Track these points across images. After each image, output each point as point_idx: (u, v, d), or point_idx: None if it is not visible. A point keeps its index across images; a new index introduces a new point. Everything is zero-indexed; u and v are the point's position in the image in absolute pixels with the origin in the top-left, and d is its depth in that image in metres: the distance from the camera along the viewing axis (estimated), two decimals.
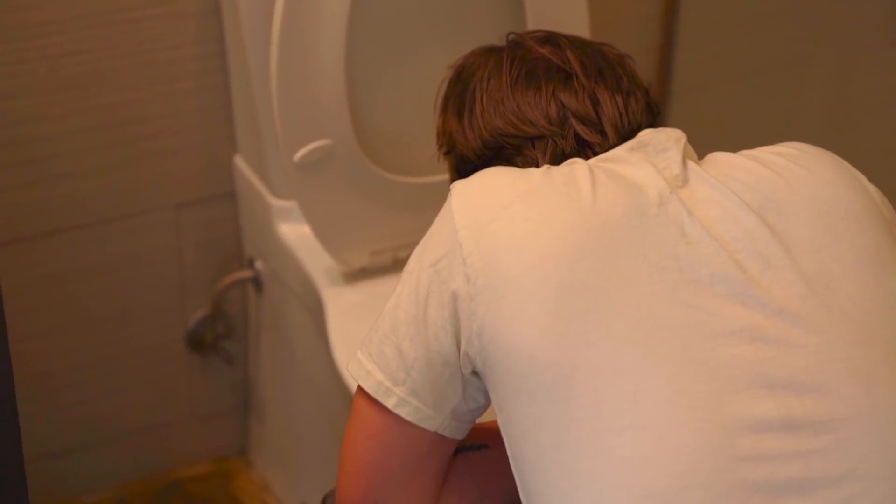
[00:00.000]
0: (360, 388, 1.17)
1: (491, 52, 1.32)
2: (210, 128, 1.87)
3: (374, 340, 1.15)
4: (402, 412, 1.12)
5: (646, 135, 1.17)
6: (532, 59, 1.28)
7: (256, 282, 1.90)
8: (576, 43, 1.28)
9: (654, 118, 1.26)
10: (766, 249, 1.06)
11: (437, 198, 1.66)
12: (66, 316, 1.89)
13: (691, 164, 1.12)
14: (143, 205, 1.87)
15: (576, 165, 1.13)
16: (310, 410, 1.90)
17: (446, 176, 1.64)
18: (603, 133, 1.22)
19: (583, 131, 1.22)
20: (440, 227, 1.13)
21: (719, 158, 1.15)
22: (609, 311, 1.04)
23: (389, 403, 1.12)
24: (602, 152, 1.19)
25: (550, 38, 1.29)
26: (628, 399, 1.02)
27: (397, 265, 1.73)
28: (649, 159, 1.13)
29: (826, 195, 1.10)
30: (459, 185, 1.14)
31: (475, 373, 1.11)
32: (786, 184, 1.10)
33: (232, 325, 2.00)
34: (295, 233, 1.77)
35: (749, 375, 1.00)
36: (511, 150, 1.26)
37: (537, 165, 1.21)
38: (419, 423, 1.13)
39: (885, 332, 1.05)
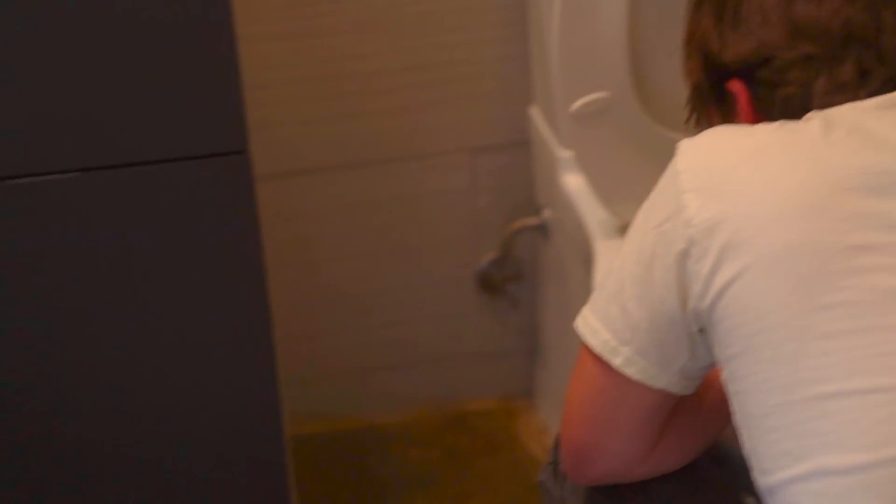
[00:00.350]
0: (583, 345, 1.16)
1: None
2: (508, 77, 1.89)
3: (600, 298, 1.14)
4: (629, 371, 1.12)
5: None
6: None
7: (543, 229, 1.91)
8: None
9: None
10: None
11: None
12: (368, 242, 1.95)
13: None
14: (441, 146, 1.92)
15: (812, 120, 1.08)
16: None
17: None
18: (883, 62, 1.15)
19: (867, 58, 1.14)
20: (665, 188, 1.10)
21: None
22: (841, 272, 1.02)
23: (616, 362, 1.12)
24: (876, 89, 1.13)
25: None
26: (859, 363, 1.01)
27: None
28: None
29: None
30: (685, 145, 1.10)
31: (702, 330, 1.08)
32: None
33: (520, 269, 2.01)
34: (577, 183, 1.76)
35: None
36: (772, 71, 1.17)
37: (802, 97, 1.13)
38: (646, 382, 1.12)
39: None
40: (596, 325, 1.12)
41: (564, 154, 1.76)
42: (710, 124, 1.23)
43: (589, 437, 1.19)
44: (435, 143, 1.92)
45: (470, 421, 2.10)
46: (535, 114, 1.85)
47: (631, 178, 1.66)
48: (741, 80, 1.16)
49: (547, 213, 1.90)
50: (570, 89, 1.63)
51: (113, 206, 1.34)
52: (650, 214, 1.10)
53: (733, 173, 1.06)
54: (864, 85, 1.11)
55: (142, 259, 1.38)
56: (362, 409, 2.09)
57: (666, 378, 1.12)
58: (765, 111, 1.15)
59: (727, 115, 1.21)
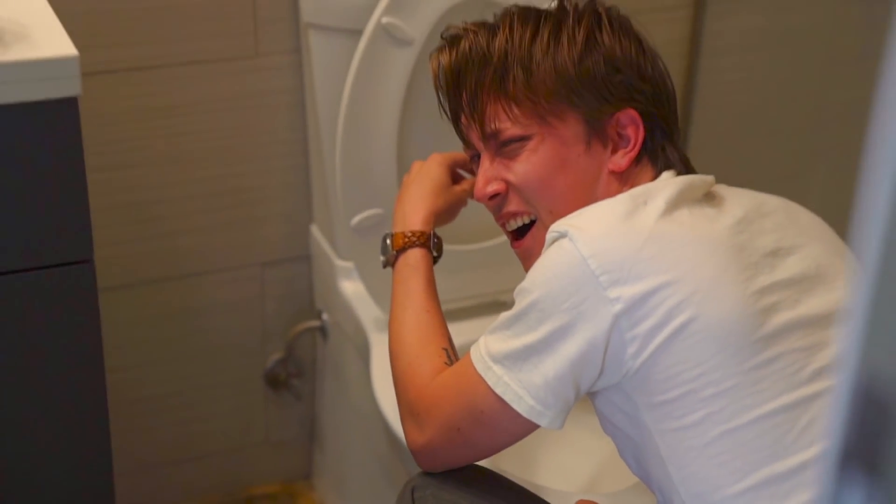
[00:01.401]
0: (492, 396, 1.14)
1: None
2: (292, 200, 1.90)
3: (518, 368, 1.13)
4: (548, 425, 1.15)
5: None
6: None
7: (323, 330, 1.95)
8: None
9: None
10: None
11: (469, 262, 1.74)
12: (166, 350, 1.93)
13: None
14: (235, 262, 1.92)
15: (671, 212, 1.14)
16: (361, 443, 1.92)
17: (481, 244, 1.72)
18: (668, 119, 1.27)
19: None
20: (570, 273, 1.10)
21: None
22: (758, 317, 1.10)
23: (542, 423, 1.14)
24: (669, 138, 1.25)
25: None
26: (782, 383, 1.09)
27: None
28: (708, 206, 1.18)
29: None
30: (577, 234, 1.11)
31: (616, 385, 1.13)
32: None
33: (302, 367, 2.03)
34: (353, 288, 1.80)
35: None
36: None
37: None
38: (551, 427, 1.15)
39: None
40: (521, 393, 1.13)
41: (342, 264, 1.82)
42: (515, 127, 1.26)
43: (467, 449, 1.22)
44: (230, 259, 1.91)
45: (257, 503, 2.10)
46: (316, 231, 1.90)
47: None
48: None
49: (326, 317, 1.93)
50: (350, 206, 1.66)
51: None
52: (559, 296, 1.10)
53: (642, 255, 1.10)
54: (664, 141, 1.26)
55: None
56: (164, 499, 2.06)
57: (560, 422, 1.16)
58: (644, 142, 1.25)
59: (592, 127, 1.25)
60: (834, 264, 1.19)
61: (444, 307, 1.74)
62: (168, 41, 1.73)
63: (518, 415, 1.14)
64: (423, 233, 1.37)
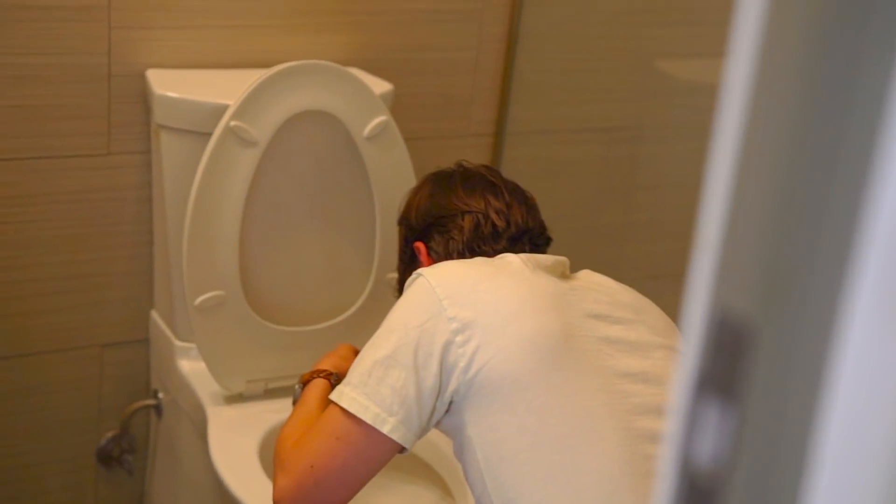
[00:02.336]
0: (343, 415, 1.22)
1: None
2: (135, 286, 1.93)
3: (367, 384, 1.22)
4: (394, 435, 1.21)
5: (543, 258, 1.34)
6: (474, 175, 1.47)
7: (158, 408, 1.97)
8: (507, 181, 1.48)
9: (543, 237, 1.44)
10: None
11: (301, 342, 1.82)
12: (7, 426, 1.91)
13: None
14: (77, 342, 1.92)
15: (508, 260, 1.30)
16: None
17: (312, 327, 1.79)
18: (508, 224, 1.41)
19: (496, 218, 1.41)
20: (422, 298, 1.24)
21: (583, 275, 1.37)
22: (564, 347, 1.21)
23: (385, 429, 1.21)
24: (505, 237, 1.39)
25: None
26: (592, 410, 1.19)
27: (267, 393, 1.81)
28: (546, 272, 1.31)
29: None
30: (429, 272, 1.26)
31: (451, 401, 1.21)
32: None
33: (135, 444, 2.02)
34: (190, 366, 1.85)
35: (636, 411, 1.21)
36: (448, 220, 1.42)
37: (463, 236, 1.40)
38: (400, 441, 1.22)
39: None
40: (366, 403, 1.21)
41: (181, 344, 1.86)
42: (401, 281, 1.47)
43: (320, 484, 1.25)
44: (72, 340, 1.92)
45: None
46: (155, 315, 1.94)
47: (235, 358, 1.78)
48: (420, 241, 1.42)
49: (161, 395, 1.96)
50: (194, 288, 1.69)
51: None
52: (408, 318, 1.23)
53: (478, 287, 1.24)
54: (498, 239, 1.39)
55: None
56: None
57: (413, 439, 1.23)
58: (435, 254, 1.40)
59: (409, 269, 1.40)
60: (658, 344, 1.30)
61: (275, 384, 1.84)
62: (24, 136, 1.77)
63: (365, 426, 1.21)
64: (326, 370, 1.47)
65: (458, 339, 1.21)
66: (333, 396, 1.25)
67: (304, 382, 1.47)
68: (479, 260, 1.33)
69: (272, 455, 1.65)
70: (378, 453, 1.24)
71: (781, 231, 0.47)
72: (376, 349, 1.24)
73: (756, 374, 0.48)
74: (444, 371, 1.21)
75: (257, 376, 1.81)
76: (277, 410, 1.78)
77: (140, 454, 2.05)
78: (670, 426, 0.51)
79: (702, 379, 0.49)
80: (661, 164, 2.33)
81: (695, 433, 0.50)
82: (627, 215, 2.34)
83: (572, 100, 2.19)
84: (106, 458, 2.03)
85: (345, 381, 1.25)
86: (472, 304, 1.22)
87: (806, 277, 0.47)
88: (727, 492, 0.49)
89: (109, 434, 2.02)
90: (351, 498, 1.28)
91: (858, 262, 0.45)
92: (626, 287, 1.38)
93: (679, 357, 1.24)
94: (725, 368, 0.49)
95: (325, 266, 1.86)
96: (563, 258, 1.39)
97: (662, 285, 2.38)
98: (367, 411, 1.22)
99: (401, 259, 1.51)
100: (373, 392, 1.22)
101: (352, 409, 1.22)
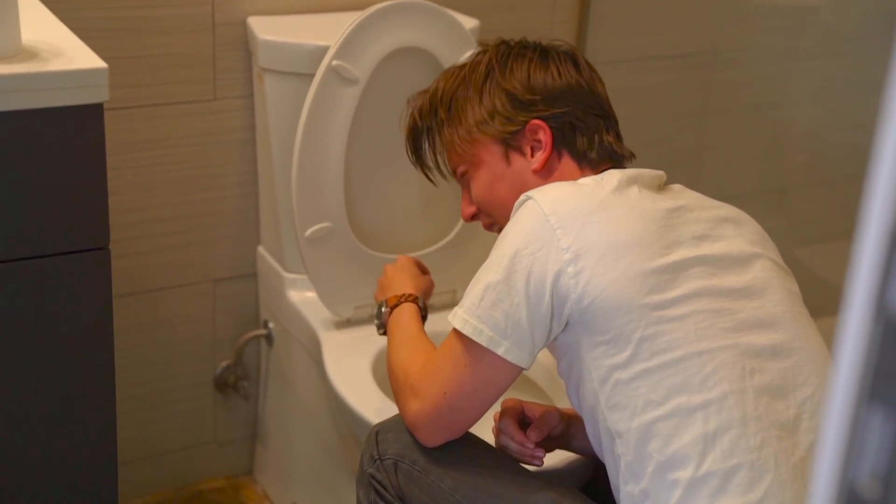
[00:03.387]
0: (462, 340, 1.23)
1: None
2: (242, 224, 1.98)
3: (480, 307, 1.22)
4: (508, 357, 1.21)
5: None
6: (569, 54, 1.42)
7: (268, 338, 2.04)
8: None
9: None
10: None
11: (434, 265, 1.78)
12: (131, 357, 1.97)
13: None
14: (191, 278, 1.99)
15: (614, 181, 1.26)
16: (305, 435, 1.99)
17: (414, 254, 1.79)
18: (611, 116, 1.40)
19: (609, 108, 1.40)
20: (532, 225, 1.21)
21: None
22: (673, 278, 1.21)
23: (500, 351, 1.21)
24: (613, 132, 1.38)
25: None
26: (692, 335, 1.19)
27: (373, 318, 1.73)
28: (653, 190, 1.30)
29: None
30: (541, 197, 1.23)
31: (567, 324, 1.21)
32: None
33: (248, 371, 2.09)
34: (299, 296, 1.91)
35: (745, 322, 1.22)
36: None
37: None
38: (516, 363, 1.22)
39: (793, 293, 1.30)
40: (480, 326, 1.21)
41: (290, 276, 1.92)
42: (454, 162, 1.44)
43: (453, 408, 1.26)
44: (186, 276, 1.98)
45: (205, 496, 2.14)
46: (263, 251, 2.00)
47: (344, 285, 1.83)
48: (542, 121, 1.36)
49: (272, 325, 2.02)
50: (304, 220, 1.74)
51: None
52: (521, 244, 1.21)
53: (591, 217, 1.22)
54: (619, 139, 1.39)
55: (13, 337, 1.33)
56: (121, 495, 1.97)
57: (529, 359, 1.23)
58: (557, 145, 1.35)
59: (506, 145, 1.38)
60: (756, 253, 1.29)
61: None
62: (138, 85, 1.83)
63: (485, 351, 1.22)
64: (412, 294, 1.50)
65: (570, 269, 1.20)
66: (451, 318, 1.26)
67: (392, 307, 1.49)
68: (587, 183, 1.29)
69: (385, 374, 1.72)
70: (501, 375, 1.26)
71: None
72: (490, 273, 1.23)
73: None
74: (555, 299, 1.21)
75: (364, 302, 1.86)
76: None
77: (253, 381, 2.12)
78: (860, 274, 0.49)
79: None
80: (733, 88, 2.36)
81: (890, 278, 0.47)
82: (702, 139, 2.37)
83: (647, 29, 2.22)
84: (222, 385, 2.10)
85: (460, 303, 1.26)
86: (586, 234, 1.21)
87: None
88: None
89: (224, 363, 2.08)
90: (482, 415, 1.30)
91: None
92: (721, 203, 1.38)
93: (774, 266, 1.28)
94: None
95: (422, 197, 1.90)
96: (661, 172, 1.37)
97: (736, 205, 2.43)
98: (482, 334, 1.22)
99: (479, 128, 1.40)
100: (486, 315, 1.22)
101: (465, 331, 1.22)
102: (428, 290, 1.58)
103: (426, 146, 1.48)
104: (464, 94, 1.42)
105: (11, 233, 1.30)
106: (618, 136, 1.42)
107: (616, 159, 1.40)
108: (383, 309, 1.51)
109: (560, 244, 1.21)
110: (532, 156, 1.38)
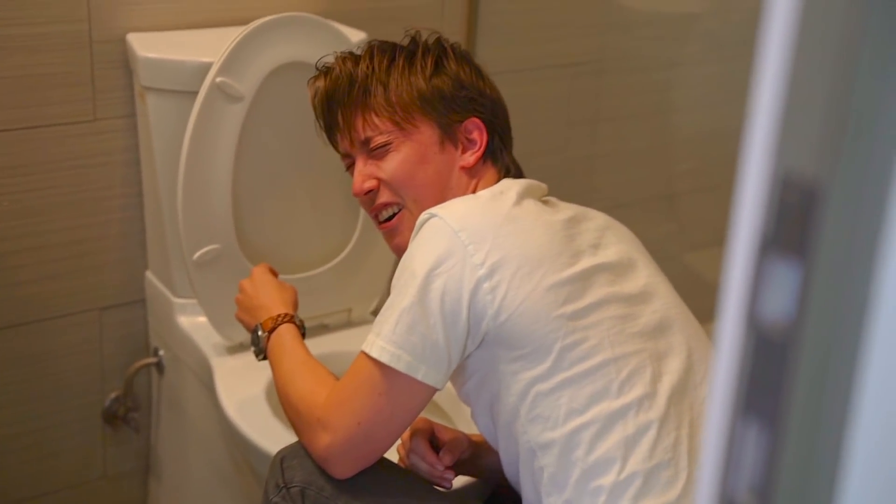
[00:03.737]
0: (378, 367, 1.20)
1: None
2: (129, 249, 1.92)
3: (395, 333, 1.19)
4: (427, 380, 1.19)
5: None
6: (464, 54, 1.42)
7: (159, 366, 1.97)
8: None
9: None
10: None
11: (298, 290, 1.75)
12: (12, 393, 1.91)
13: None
14: (76, 307, 1.91)
15: (512, 195, 1.27)
16: (200, 465, 1.94)
17: (307, 273, 1.78)
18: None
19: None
20: (442, 242, 1.20)
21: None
22: (582, 287, 1.22)
23: (419, 375, 1.19)
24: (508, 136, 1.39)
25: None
26: (606, 339, 1.21)
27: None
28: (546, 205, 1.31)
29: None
30: (445, 213, 1.22)
31: (481, 343, 1.20)
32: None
33: (139, 402, 2.02)
34: (190, 322, 1.86)
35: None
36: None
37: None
38: (434, 386, 1.21)
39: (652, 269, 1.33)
40: (398, 352, 1.19)
41: (180, 301, 1.86)
42: (379, 133, 1.37)
43: (369, 438, 1.24)
44: (71, 305, 1.91)
45: None
46: (151, 276, 1.94)
47: (234, 308, 1.65)
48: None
49: (162, 352, 1.96)
50: (191, 244, 1.71)
51: None
52: (431, 262, 1.19)
53: (500, 231, 1.21)
54: (507, 134, 1.39)
55: None
56: None
57: (444, 380, 1.22)
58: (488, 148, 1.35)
59: (445, 130, 1.37)
60: (638, 258, 1.33)
61: None
62: (12, 107, 1.75)
63: (401, 376, 1.19)
64: (287, 314, 1.44)
65: (486, 285, 1.19)
66: (365, 348, 1.22)
67: (269, 331, 1.44)
68: (484, 196, 1.29)
69: (277, 399, 1.68)
70: (418, 399, 1.24)
71: (844, 87, 0.46)
72: (402, 297, 1.21)
73: (822, 231, 0.48)
74: (472, 316, 1.19)
75: None
76: None
77: (144, 411, 2.06)
78: (730, 285, 0.50)
79: (766, 238, 0.49)
80: (622, 96, 2.37)
81: (760, 291, 0.49)
82: (593, 147, 2.37)
83: (535, 38, 2.21)
84: (111, 417, 2.03)
85: (374, 331, 1.23)
86: (498, 248, 1.20)
87: (868, 133, 0.46)
88: (796, 345, 0.49)
89: (113, 394, 2.02)
90: (396, 440, 1.27)
91: None
92: (594, 210, 1.39)
93: (655, 269, 1.32)
94: (790, 228, 0.48)
95: (315, 214, 1.86)
96: (543, 185, 1.38)
97: (630, 212, 2.43)
98: (400, 360, 1.20)
99: (423, 101, 1.37)
100: (402, 341, 1.19)
101: (383, 359, 1.20)
102: (295, 300, 1.52)
103: (345, 105, 1.39)
104: (408, 63, 1.39)
105: None
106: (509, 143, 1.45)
107: (515, 174, 1.41)
108: (260, 334, 1.46)
109: (473, 259, 1.19)
110: (464, 152, 1.37)
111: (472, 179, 1.38)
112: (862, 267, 0.48)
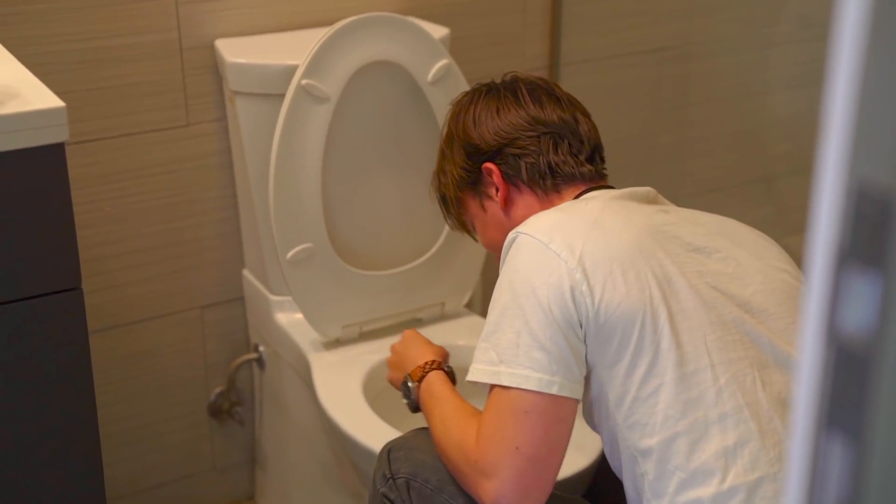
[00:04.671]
0: (511, 393, 1.15)
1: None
2: (226, 249, 1.94)
3: (516, 355, 1.16)
4: (564, 392, 1.15)
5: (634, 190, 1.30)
6: (537, 88, 1.40)
7: (260, 361, 1.99)
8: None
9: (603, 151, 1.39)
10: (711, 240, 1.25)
11: (388, 285, 1.82)
12: (121, 391, 1.94)
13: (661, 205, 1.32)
14: (177, 307, 1.94)
15: (600, 202, 1.25)
16: (302, 457, 1.95)
17: (398, 269, 1.78)
18: (582, 143, 1.36)
19: (571, 137, 1.35)
20: (537, 257, 1.18)
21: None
22: (670, 289, 1.18)
23: (553, 390, 1.15)
24: (583, 155, 1.34)
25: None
26: (710, 345, 1.16)
27: (361, 336, 1.81)
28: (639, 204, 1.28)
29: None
30: (531, 229, 1.21)
31: (584, 340, 1.17)
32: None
33: (242, 396, 2.05)
34: (287, 318, 1.87)
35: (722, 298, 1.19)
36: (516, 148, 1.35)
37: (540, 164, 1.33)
38: (572, 396, 1.17)
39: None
40: (525, 373, 1.15)
41: (276, 299, 1.87)
42: (462, 219, 1.42)
43: (536, 465, 1.17)
44: (173, 305, 1.93)
45: None
46: (248, 274, 1.95)
47: (329, 304, 1.79)
48: (491, 162, 1.35)
49: (262, 348, 1.97)
50: (284, 243, 1.71)
51: None
52: (535, 279, 1.17)
53: (590, 236, 1.18)
54: (577, 155, 1.34)
55: None
56: (225, 495, 2.06)
57: (579, 388, 1.17)
58: (510, 178, 1.33)
59: (479, 195, 1.37)
60: (757, 269, 1.26)
61: (369, 327, 1.84)
62: (110, 116, 1.77)
63: (536, 394, 1.15)
64: (434, 360, 1.40)
65: (584, 287, 1.16)
66: (491, 380, 1.18)
67: (418, 380, 1.39)
68: (568, 206, 1.26)
69: (377, 393, 1.72)
70: (563, 412, 1.18)
71: None
72: (512, 318, 1.18)
73: None
74: (581, 317, 1.17)
75: (352, 320, 1.82)
76: (374, 351, 1.80)
77: (248, 405, 2.08)
78: (810, 298, 0.50)
79: (843, 250, 0.48)
80: (710, 80, 2.30)
81: (839, 304, 0.49)
82: (682, 132, 2.31)
83: (620, 25, 2.17)
84: (217, 412, 2.05)
85: (494, 360, 1.19)
86: (589, 253, 1.18)
87: None
88: (878, 357, 0.48)
89: (217, 389, 2.04)
90: (561, 462, 1.21)
91: None
92: (710, 214, 1.34)
93: (778, 274, 1.27)
94: (867, 239, 0.47)
95: (403, 211, 1.85)
96: (651, 189, 1.34)
97: (721, 197, 2.37)
98: (529, 380, 1.15)
99: (457, 186, 1.42)
100: (527, 360, 1.16)
101: (514, 384, 1.16)
102: (445, 354, 1.46)
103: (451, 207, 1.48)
104: (441, 159, 1.46)
105: None
106: (574, 154, 1.37)
107: (577, 176, 1.36)
108: (410, 384, 1.40)
109: (568, 265, 1.17)
110: (496, 197, 1.38)
111: (513, 209, 1.38)
112: None
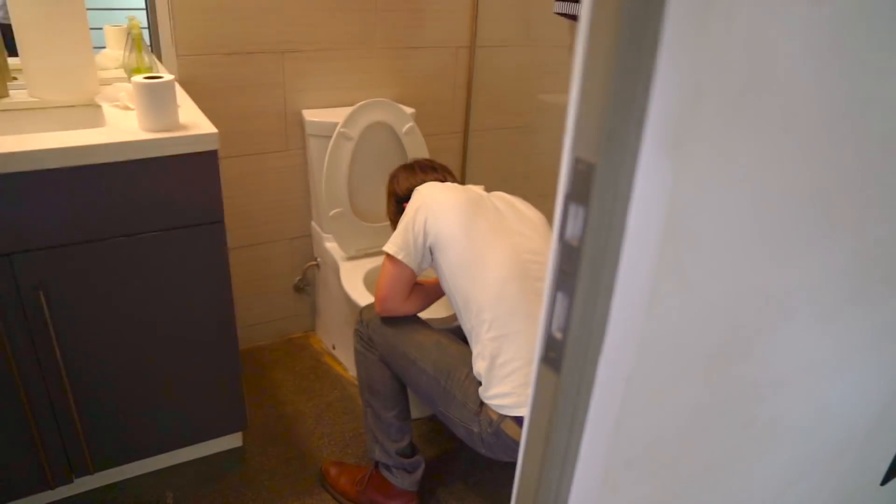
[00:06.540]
0: (387, 258, 1.16)
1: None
2: (302, 210, 1.86)
3: (396, 241, 1.18)
4: (405, 261, 1.17)
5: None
6: (422, 163, 1.37)
7: (318, 266, 1.94)
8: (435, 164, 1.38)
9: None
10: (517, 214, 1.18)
11: (378, 230, 1.75)
12: (247, 281, 1.83)
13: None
14: (279, 237, 1.86)
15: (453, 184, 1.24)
16: (336, 311, 1.86)
17: (382, 223, 1.75)
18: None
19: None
20: (415, 204, 1.19)
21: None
22: (481, 225, 1.14)
23: (399, 257, 1.17)
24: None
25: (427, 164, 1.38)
26: (488, 249, 1.13)
27: (367, 256, 1.80)
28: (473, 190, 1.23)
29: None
30: (421, 190, 1.20)
31: (430, 250, 1.17)
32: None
33: (309, 281, 1.97)
34: (331, 246, 1.83)
35: (524, 250, 1.13)
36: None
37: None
38: (409, 265, 1.17)
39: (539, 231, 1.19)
40: (394, 249, 1.19)
41: (325, 234, 1.86)
42: (389, 205, 1.40)
43: (388, 297, 1.22)
44: (276, 235, 1.85)
45: (293, 342, 1.97)
46: (313, 223, 1.92)
47: (351, 239, 1.79)
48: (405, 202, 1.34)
49: (318, 259, 1.94)
50: (329, 206, 1.71)
51: (143, 253, 1.16)
52: (414, 216, 1.18)
53: (439, 196, 1.18)
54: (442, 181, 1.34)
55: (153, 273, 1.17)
56: (299, 328, 1.98)
57: (416, 266, 1.19)
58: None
59: (398, 204, 1.38)
60: (539, 233, 1.21)
61: (369, 251, 1.77)
62: (248, 143, 1.71)
63: (392, 259, 1.19)
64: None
65: (429, 222, 1.19)
66: (385, 248, 1.22)
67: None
68: (437, 185, 1.27)
69: (371, 282, 1.72)
70: (404, 275, 1.20)
71: (613, 107, 0.41)
72: (406, 228, 1.21)
73: (595, 189, 0.44)
74: (425, 236, 1.20)
75: (360, 247, 1.81)
76: (370, 262, 1.81)
77: (312, 287, 1.99)
78: (555, 221, 0.45)
79: (568, 193, 0.45)
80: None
81: (566, 221, 0.45)
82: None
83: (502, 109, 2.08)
84: (298, 289, 1.98)
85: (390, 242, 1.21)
86: (433, 206, 1.19)
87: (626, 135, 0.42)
88: (583, 250, 0.45)
89: (297, 278, 1.96)
90: (404, 299, 1.21)
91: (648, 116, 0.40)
92: (520, 199, 1.30)
93: (538, 221, 1.20)
94: (580, 188, 0.44)
95: (384, 190, 1.70)
96: (482, 186, 1.36)
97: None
98: (393, 249, 1.19)
99: (395, 210, 1.40)
100: (401, 242, 1.20)
101: (388, 250, 1.20)
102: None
103: None
104: (388, 185, 1.39)
105: (164, 213, 1.19)
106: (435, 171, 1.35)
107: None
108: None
109: (425, 210, 1.19)
110: (404, 205, 1.35)
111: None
112: (619, 217, 0.43)
